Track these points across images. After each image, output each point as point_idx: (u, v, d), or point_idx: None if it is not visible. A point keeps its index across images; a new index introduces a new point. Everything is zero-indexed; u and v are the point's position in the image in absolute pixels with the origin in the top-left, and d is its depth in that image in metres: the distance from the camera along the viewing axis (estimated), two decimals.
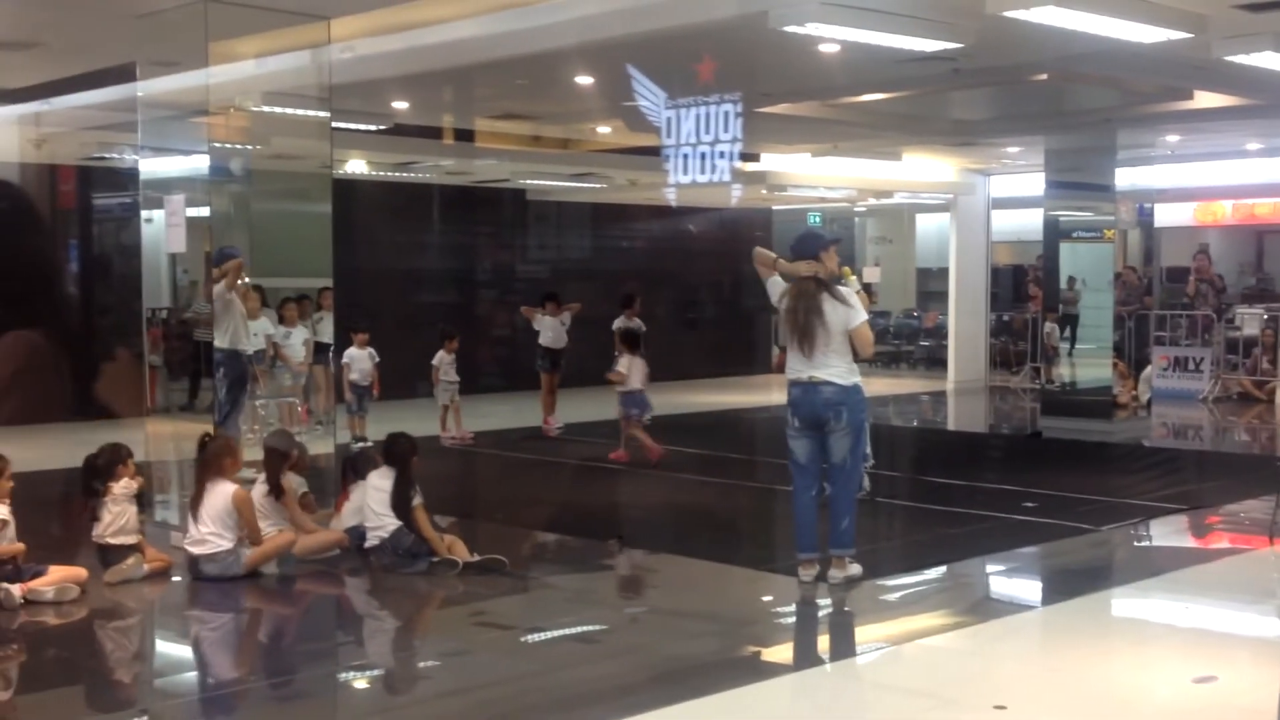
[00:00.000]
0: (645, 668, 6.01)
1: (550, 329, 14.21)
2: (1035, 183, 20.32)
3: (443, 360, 13.41)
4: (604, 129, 14.31)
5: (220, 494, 7.47)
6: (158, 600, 7.41)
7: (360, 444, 12.42)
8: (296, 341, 12.93)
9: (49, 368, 10.88)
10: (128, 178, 13.67)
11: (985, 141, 16.78)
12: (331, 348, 12.92)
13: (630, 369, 11.96)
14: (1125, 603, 7.35)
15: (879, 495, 9.99)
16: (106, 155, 13.89)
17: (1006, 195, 21.09)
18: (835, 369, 6.93)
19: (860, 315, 7.00)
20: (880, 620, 6.97)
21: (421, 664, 6.51)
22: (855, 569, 7.16)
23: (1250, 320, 18.38)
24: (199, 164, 8.91)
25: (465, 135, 14.20)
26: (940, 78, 10.75)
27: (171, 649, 6.86)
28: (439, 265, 18.36)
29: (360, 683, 6.20)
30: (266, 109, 9.64)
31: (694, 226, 21.90)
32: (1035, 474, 11.23)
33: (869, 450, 7.20)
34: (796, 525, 7.18)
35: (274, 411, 12.66)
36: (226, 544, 7.43)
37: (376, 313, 14.74)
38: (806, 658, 6.39)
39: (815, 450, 7.08)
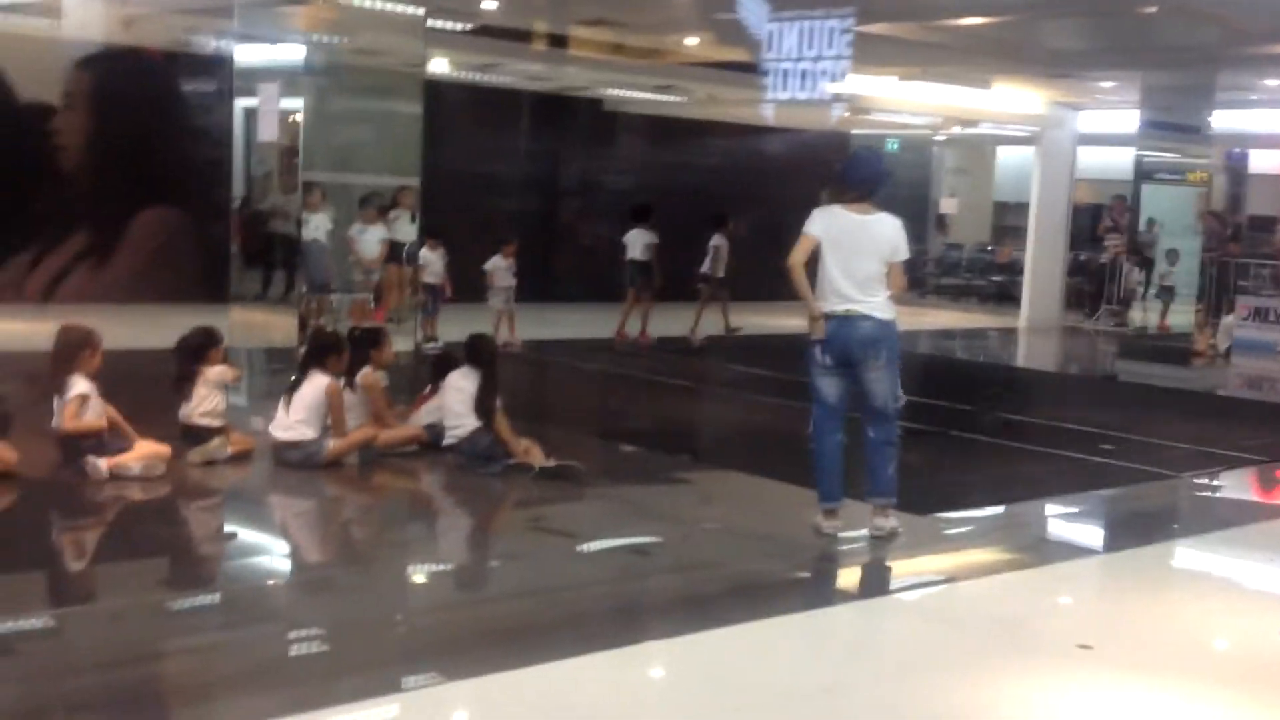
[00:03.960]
0: (707, 584, 5.99)
1: (638, 243, 14.31)
2: (1124, 120, 19.93)
3: (497, 265, 13.40)
4: (691, 41, 14.07)
5: (315, 385, 7.56)
6: (240, 482, 7.51)
7: (431, 344, 12.48)
8: (372, 239, 12.95)
9: (184, 247, 10.95)
10: (213, 64, 13.68)
11: (1080, 74, 16.36)
12: (407, 247, 12.95)
13: None
14: (1208, 551, 7.25)
15: (950, 429, 9.95)
16: (192, 40, 13.85)
17: (1093, 131, 20.63)
18: (875, 301, 6.46)
19: (905, 249, 6.52)
20: (951, 553, 6.92)
21: (485, 564, 6.60)
22: (895, 522, 6.62)
23: None
24: (289, 54, 8.86)
25: (550, 40, 14.00)
26: (1047, 3, 10.43)
27: (250, 532, 6.94)
28: (512, 170, 18.27)
29: (421, 578, 6.27)
30: (359, 1, 9.53)
31: (768, 147, 21.61)
32: (1111, 417, 11.07)
33: (900, 391, 6.59)
34: (820, 471, 6.60)
35: (345, 305, 12.76)
36: (312, 433, 7.52)
37: (449, 215, 14.69)
38: (874, 586, 6.34)
39: (845, 389, 6.54)
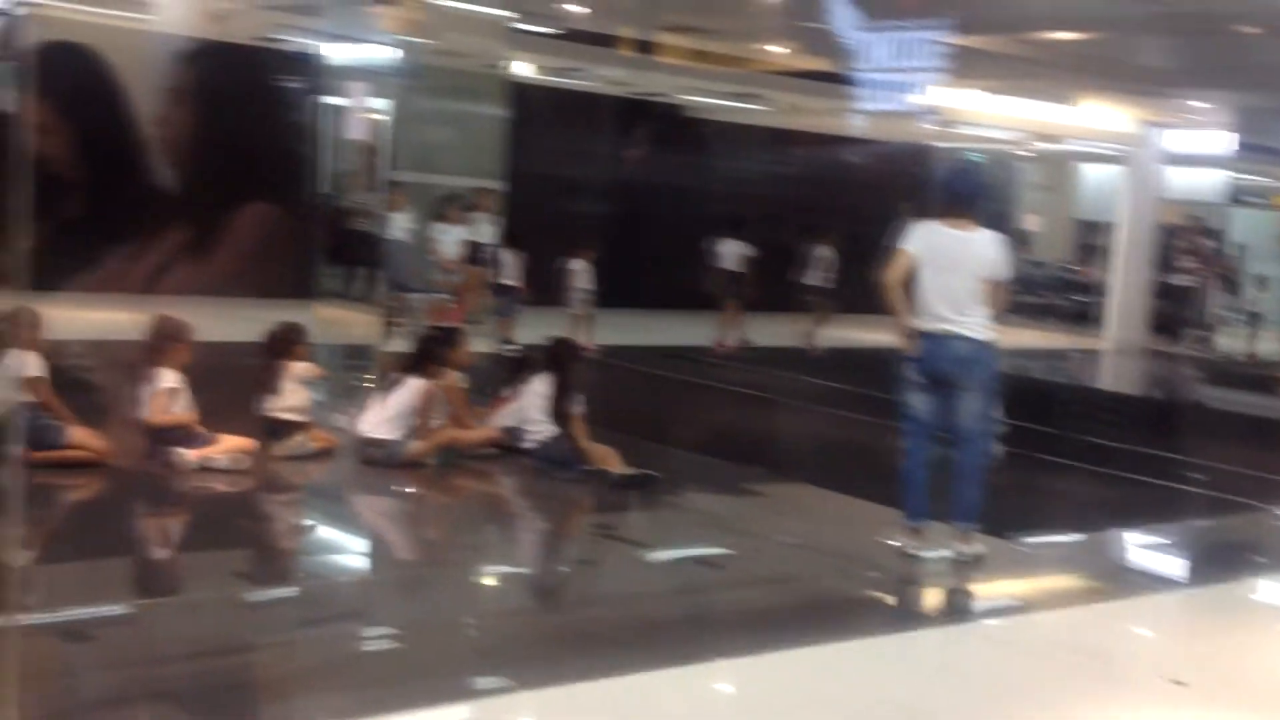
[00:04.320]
0: (783, 600, 5.96)
1: (733, 254, 14.56)
2: (1214, 141, 19.54)
3: (576, 269, 13.40)
4: (777, 49, 13.99)
5: (412, 387, 7.60)
6: (323, 478, 7.57)
7: (508, 346, 12.51)
8: (452, 240, 13.01)
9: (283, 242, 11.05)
10: (301, 61, 13.81)
11: (1171, 93, 16.06)
12: (485, 249, 13.00)
13: None
14: None
15: (1035, 451, 9.77)
16: (277, 37, 14.00)
17: (1182, 152, 20.23)
18: (972, 321, 6.27)
19: (1006, 267, 6.34)
20: (1034, 579, 6.79)
21: (557, 570, 6.61)
22: (979, 547, 6.45)
23: None
24: (378, 54, 8.91)
25: (634, 45, 13.97)
26: (1145, 19, 10.23)
27: (330, 528, 6.99)
28: (591, 175, 18.26)
29: (494, 581, 6.30)
30: (447, 3, 9.55)
31: (850, 157, 21.44)
32: (1197, 444, 10.80)
33: (998, 414, 6.53)
34: (906, 488, 6.46)
35: (424, 305, 12.82)
36: (398, 433, 7.55)
37: (529, 218, 14.72)
38: (955, 611, 6.26)
39: (937, 408, 6.40)
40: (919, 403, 6.42)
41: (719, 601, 5.93)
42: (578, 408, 7.80)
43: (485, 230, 13.21)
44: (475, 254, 13.22)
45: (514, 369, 8.49)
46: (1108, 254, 24.94)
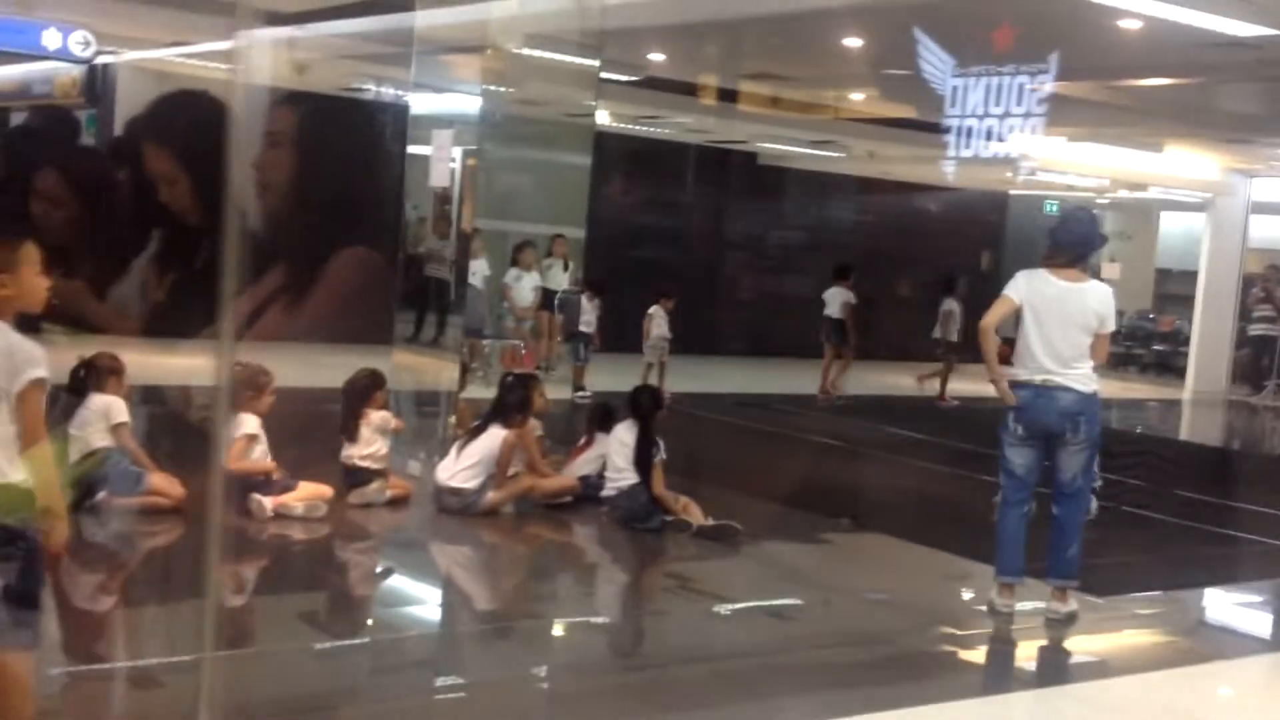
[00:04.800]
0: (865, 659, 5.76)
1: (836, 301, 14.60)
2: None
3: (655, 316, 13.29)
4: (856, 96, 13.89)
5: (493, 436, 7.53)
6: (400, 527, 7.50)
7: (580, 394, 12.44)
8: (526, 286, 12.98)
9: (380, 289, 11.19)
10: (379, 110, 13.93)
11: (1259, 140, 15.71)
12: (559, 295, 12.95)
13: None
14: None
15: (1126, 504, 9.50)
16: (359, 87, 14.15)
17: (1268, 200, 19.82)
18: (1077, 373, 6.08)
19: (1113, 320, 6.19)
20: (1129, 640, 6.54)
21: (634, 623, 6.43)
22: (1074, 605, 6.26)
23: None
24: (460, 102, 8.92)
25: (711, 93, 13.94)
26: (1237, 66, 10.00)
27: (405, 578, 6.88)
28: (666, 222, 18.26)
29: (569, 634, 6.10)
30: (532, 52, 9.50)
31: (927, 205, 21.25)
32: None
33: (1097, 470, 6.27)
34: (1000, 543, 6.25)
35: (496, 352, 12.78)
36: (476, 482, 7.47)
37: (603, 265, 14.69)
38: (1046, 673, 6.00)
39: (1036, 462, 6.22)
40: (1017, 457, 6.22)
41: (798, 659, 5.74)
42: (660, 457, 7.67)
43: (558, 277, 13.18)
44: (547, 300, 13.19)
45: (591, 416, 8.37)
46: (1190, 303, 24.51)
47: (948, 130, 9.37)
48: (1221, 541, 8.69)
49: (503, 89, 8.79)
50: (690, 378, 13.82)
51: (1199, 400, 19.26)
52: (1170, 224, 25.45)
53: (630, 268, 16.29)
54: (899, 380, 15.79)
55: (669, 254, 17.68)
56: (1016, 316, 6.17)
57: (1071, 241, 6.24)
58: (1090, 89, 11.95)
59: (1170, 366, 22.93)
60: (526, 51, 8.84)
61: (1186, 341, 22.21)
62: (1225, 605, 7.46)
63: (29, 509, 3.38)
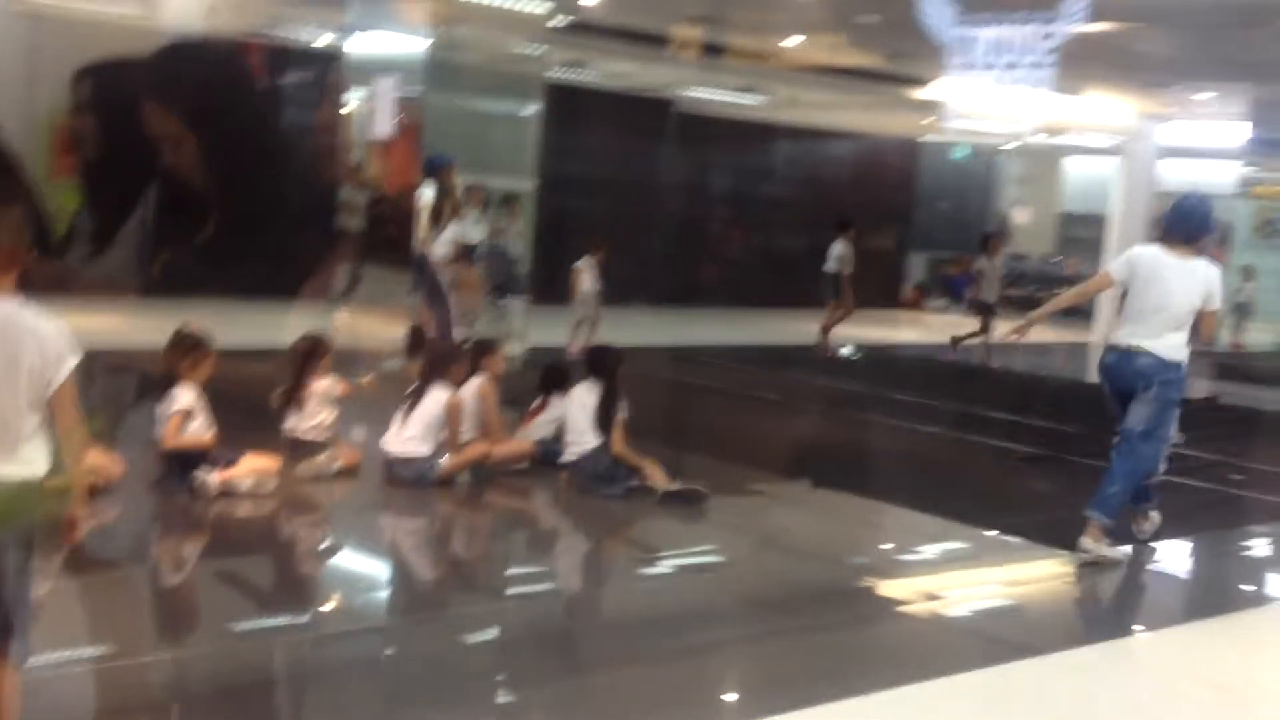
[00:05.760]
0: (850, 650, 5.50)
1: (832, 254, 14.71)
2: (1205, 133, 19.39)
3: (584, 270, 12.90)
4: (793, 40, 13.59)
5: (436, 399, 7.14)
6: (352, 500, 7.08)
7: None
8: (442, 240, 12.48)
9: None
10: (310, 56, 13.23)
11: (1175, 84, 15.83)
12: (476, 248, 12.50)
13: None
14: None
15: (1069, 454, 9.51)
16: (274, 29, 13.41)
17: (1175, 144, 20.06)
18: (1164, 343, 6.47)
19: (1219, 297, 6.58)
20: (1114, 602, 6.45)
21: (597, 594, 6.12)
22: (1104, 550, 6.56)
23: None
24: (403, 47, 8.45)
25: (644, 39, 13.51)
26: (1199, 11, 9.90)
27: (360, 555, 6.47)
28: (591, 171, 17.82)
29: (534, 607, 5.71)
30: None
31: (837, 154, 21.15)
32: (1226, 443, 10.46)
33: (1176, 431, 6.78)
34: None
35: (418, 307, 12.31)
36: (427, 449, 7.09)
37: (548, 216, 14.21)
38: (1071, 635, 5.87)
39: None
40: (1115, 409, 6.69)
41: (756, 629, 5.48)
42: (621, 414, 7.37)
43: (473, 230, 12.67)
44: (466, 253, 12.68)
45: (544, 378, 8.02)
46: (1092, 246, 24.82)
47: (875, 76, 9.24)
48: (1179, 491, 8.66)
49: (447, 34, 8.31)
50: (618, 330, 13.47)
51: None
52: (1072, 169, 25.76)
53: (557, 218, 15.88)
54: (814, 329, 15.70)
55: (597, 204, 17.27)
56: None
57: (1186, 227, 6.61)
58: (1012, 33, 11.83)
59: (1077, 310, 23.20)
60: None
61: None
62: (1192, 559, 7.41)
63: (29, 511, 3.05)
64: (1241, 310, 20.71)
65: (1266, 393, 14.06)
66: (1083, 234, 25.56)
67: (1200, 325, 6.54)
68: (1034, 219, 25.72)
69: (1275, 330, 21.01)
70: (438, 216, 12.48)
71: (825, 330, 15.14)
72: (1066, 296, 7.21)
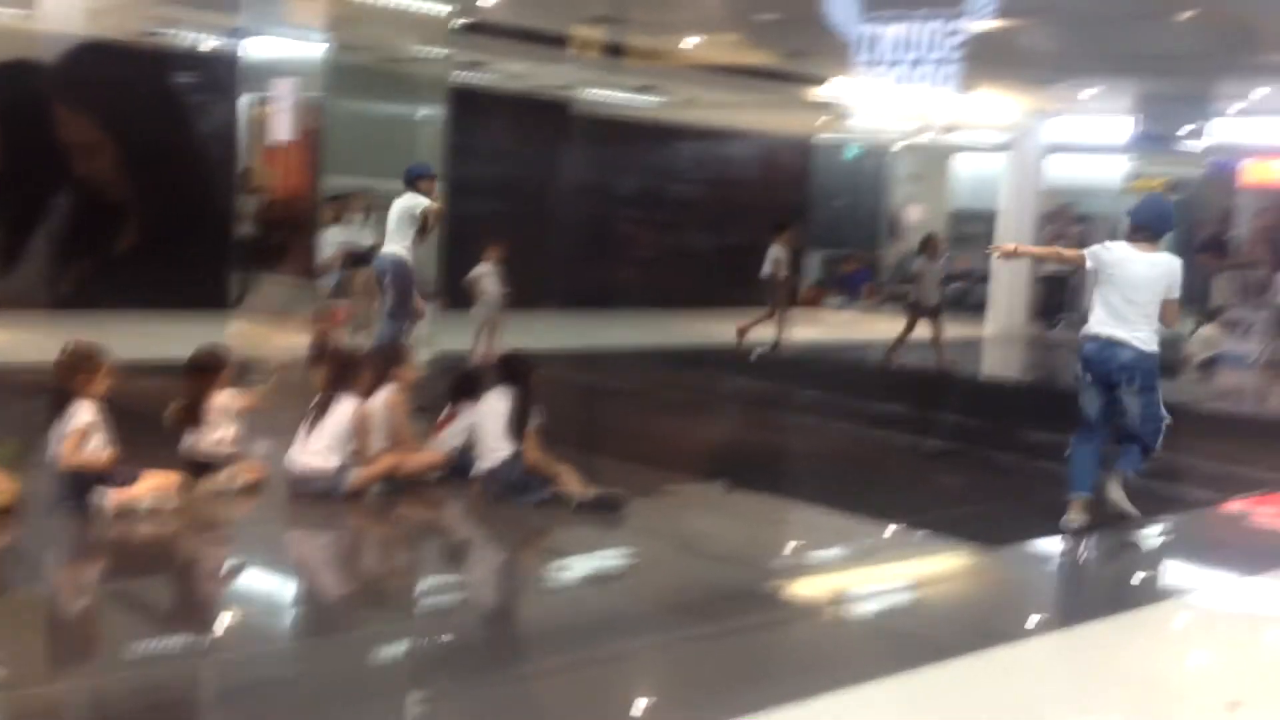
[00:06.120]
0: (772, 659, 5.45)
1: (772, 256, 15.03)
2: (1093, 129, 19.85)
3: (482, 272, 12.75)
4: (691, 40, 13.55)
5: (342, 410, 6.93)
6: (257, 517, 6.84)
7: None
8: (329, 242, 12.23)
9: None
10: (204, 60, 12.80)
11: (1061, 81, 16.13)
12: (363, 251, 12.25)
13: None
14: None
15: (970, 449, 9.64)
16: (161, 31, 12.97)
17: (1062, 140, 20.48)
18: (1139, 334, 7.04)
19: (1179, 287, 7.10)
20: (1033, 598, 6.49)
21: (513, 609, 5.94)
22: (1126, 504, 7.29)
23: None
24: (301, 50, 8.23)
25: (544, 39, 13.37)
26: (1092, 6, 10.06)
27: (264, 575, 6.23)
28: (489, 172, 17.62)
29: (455, 627, 5.52)
30: None
31: (736, 154, 21.23)
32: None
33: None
34: (1070, 469, 7.31)
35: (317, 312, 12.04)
36: (335, 461, 6.89)
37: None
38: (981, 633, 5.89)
39: (1104, 406, 7.22)
40: (1088, 401, 7.22)
41: (674, 636, 5.37)
42: (535, 422, 7.24)
43: (357, 233, 12.39)
44: (355, 257, 12.40)
45: (458, 385, 7.85)
46: (981, 242, 25.24)
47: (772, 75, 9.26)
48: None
49: (345, 37, 8.08)
50: (526, 334, 13.31)
51: (1000, 338, 19.84)
52: (961, 166, 26.17)
53: (463, 222, 15.65)
54: (718, 330, 15.73)
55: (503, 208, 17.05)
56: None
57: (1147, 222, 7.20)
58: (904, 30, 11.93)
59: (966, 305, 23.61)
60: None
61: (981, 280, 22.91)
62: (1106, 553, 7.51)
63: None
64: None
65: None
66: (973, 230, 25.97)
67: (1164, 312, 7.08)
68: (925, 216, 26.11)
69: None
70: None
71: (753, 330, 15.33)
72: (1049, 250, 8.86)
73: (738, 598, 5.93)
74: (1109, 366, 7.09)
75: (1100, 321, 7.11)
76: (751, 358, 14.75)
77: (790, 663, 5.18)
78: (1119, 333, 7.03)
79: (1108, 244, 7.28)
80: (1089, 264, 7.21)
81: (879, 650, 5.34)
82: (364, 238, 12.22)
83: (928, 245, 15.15)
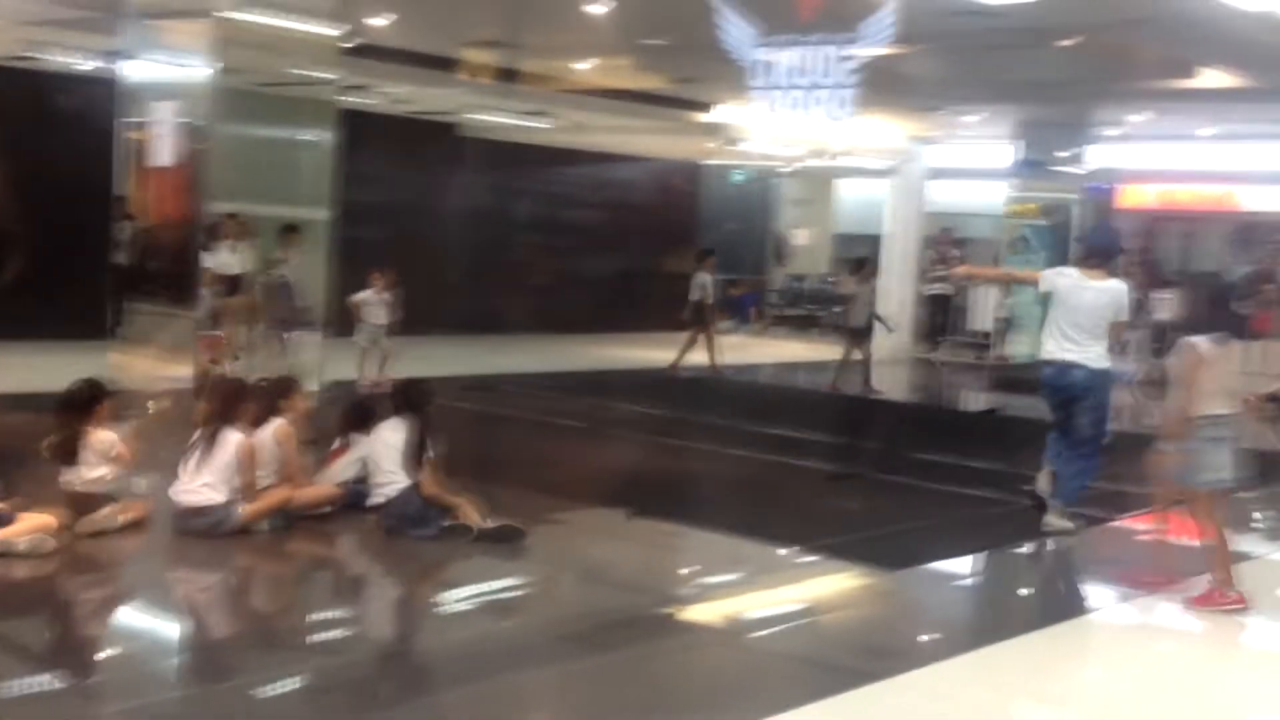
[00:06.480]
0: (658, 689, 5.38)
1: (697, 282, 15.43)
2: (975, 154, 20.28)
3: (368, 299, 12.50)
4: (582, 65, 13.49)
5: (226, 443, 6.66)
6: (140, 557, 6.55)
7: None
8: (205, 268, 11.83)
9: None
10: (71, 82, 12.32)
11: (945, 107, 16.42)
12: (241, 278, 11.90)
13: None
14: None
15: (867, 472, 9.69)
16: (37, 55, 12.49)
17: (942, 165, 20.86)
18: (1091, 354, 7.47)
19: (1127, 311, 7.63)
20: (925, 618, 6.51)
21: (414, 648, 5.77)
22: (1066, 524, 7.73)
23: (1162, 305, 18.29)
24: (184, 74, 7.97)
25: (434, 62, 13.18)
26: (973, 34, 10.22)
27: (148, 616, 5.94)
28: (373, 198, 17.32)
29: (331, 668, 5.24)
30: (263, 19, 8.37)
31: (627, 178, 21.22)
32: (1011, 454, 10.68)
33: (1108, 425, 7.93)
34: (1046, 450, 7.87)
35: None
36: (221, 497, 6.63)
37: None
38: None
39: (1066, 418, 7.67)
40: (1054, 416, 7.74)
41: (573, 667, 5.28)
42: (431, 453, 7.07)
43: (226, 259, 12.01)
44: (232, 284, 12.01)
45: (349, 416, 7.64)
46: (874, 266, 25.58)
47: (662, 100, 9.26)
48: (974, 504, 8.88)
49: (230, 59, 7.82)
50: (418, 362, 13.05)
51: (888, 360, 20.05)
52: (845, 190, 26.54)
53: (353, 248, 15.34)
54: (610, 354, 15.69)
55: (395, 233, 16.74)
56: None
57: (1097, 249, 7.84)
58: (808, 57, 12.02)
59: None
60: (257, 18, 7.89)
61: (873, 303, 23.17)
62: (1002, 571, 7.57)
63: None
64: (1006, 324, 21.68)
65: (1038, 402, 14.59)
66: (858, 254, 26.36)
67: (1111, 332, 7.57)
68: (811, 240, 26.42)
69: (1033, 342, 22.02)
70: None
71: (677, 356, 15.50)
72: (1001, 271, 9.62)
73: (639, 625, 5.84)
74: (1067, 389, 7.55)
75: (1057, 346, 7.53)
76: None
77: (693, 692, 5.11)
78: (1072, 355, 7.43)
79: (1061, 269, 7.76)
80: (1042, 286, 7.65)
81: (783, 678, 5.29)
82: (235, 263, 11.85)
83: (860, 268, 15.34)
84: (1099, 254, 7.80)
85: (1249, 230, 22.86)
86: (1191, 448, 6.18)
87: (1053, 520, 7.74)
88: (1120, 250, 7.98)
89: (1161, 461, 6.44)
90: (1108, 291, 7.54)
